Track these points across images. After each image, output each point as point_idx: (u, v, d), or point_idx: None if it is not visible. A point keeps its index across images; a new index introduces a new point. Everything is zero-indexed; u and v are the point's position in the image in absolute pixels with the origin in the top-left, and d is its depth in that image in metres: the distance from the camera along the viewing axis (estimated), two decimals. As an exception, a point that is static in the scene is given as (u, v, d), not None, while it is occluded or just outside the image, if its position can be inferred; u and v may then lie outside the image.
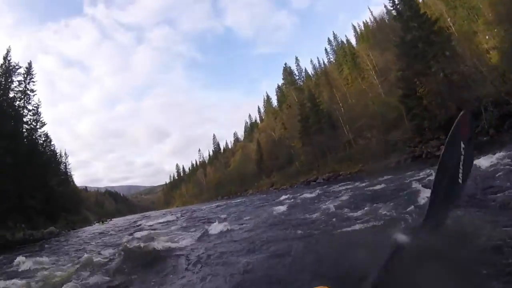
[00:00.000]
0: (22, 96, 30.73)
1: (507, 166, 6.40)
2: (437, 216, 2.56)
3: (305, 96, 43.89)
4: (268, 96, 78.49)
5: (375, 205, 5.94)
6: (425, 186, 6.33)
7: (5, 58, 29.40)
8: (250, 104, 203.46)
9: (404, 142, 27.83)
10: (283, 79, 70.33)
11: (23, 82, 30.94)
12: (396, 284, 1.87)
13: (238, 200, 28.59)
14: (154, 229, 12.05)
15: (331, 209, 6.87)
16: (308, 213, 7.45)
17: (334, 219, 5.72)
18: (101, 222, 41.94)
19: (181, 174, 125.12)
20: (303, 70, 66.36)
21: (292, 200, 12.63)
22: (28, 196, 24.76)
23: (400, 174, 11.94)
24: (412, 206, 4.79)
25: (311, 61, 67.58)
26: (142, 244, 6.08)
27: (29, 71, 31.71)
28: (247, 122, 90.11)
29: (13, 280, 4.77)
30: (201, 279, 3.78)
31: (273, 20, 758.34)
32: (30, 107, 31.89)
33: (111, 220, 46.51)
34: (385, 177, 12.33)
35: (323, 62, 62.95)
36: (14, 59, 30.86)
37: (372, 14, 54.34)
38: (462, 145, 2.43)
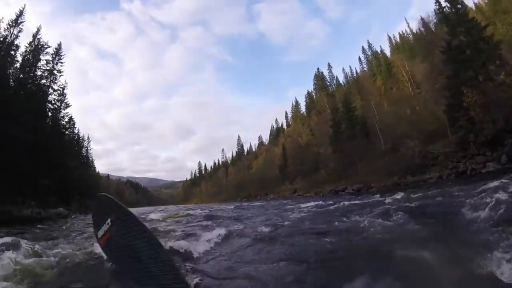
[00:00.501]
0: (49, 75, 30.67)
1: None
2: None
3: (339, 100, 41.92)
4: (296, 102, 77.44)
5: (429, 225, 4.96)
6: (478, 209, 5.08)
7: (34, 36, 29.42)
8: (277, 109, 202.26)
9: (446, 156, 25.41)
10: (314, 84, 69.00)
11: (51, 62, 30.88)
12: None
13: (258, 204, 27.09)
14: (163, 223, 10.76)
15: (379, 225, 5.25)
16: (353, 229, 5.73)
17: (386, 235, 4.57)
18: None
19: (203, 172, 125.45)
20: (335, 78, 65.47)
21: (323, 209, 10.95)
22: (43, 175, 24.19)
23: (444, 191, 10.28)
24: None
25: (343, 69, 66.63)
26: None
27: (58, 51, 31.67)
28: (273, 127, 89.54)
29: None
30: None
31: (306, 29, 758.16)
32: (55, 87, 31.83)
33: None
34: (427, 193, 10.57)
35: (356, 71, 62.01)
36: (51, 45, 31.21)
37: (408, 26, 53.21)
38: None
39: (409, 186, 23.71)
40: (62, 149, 30.40)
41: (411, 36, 50.91)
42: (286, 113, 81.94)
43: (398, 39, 56.05)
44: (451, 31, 23.99)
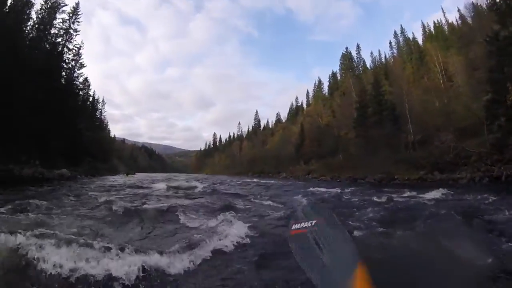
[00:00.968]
0: (64, 34, 29.69)
1: None
2: None
3: (368, 82, 39.03)
4: (320, 81, 75.00)
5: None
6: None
7: None
8: (298, 88, 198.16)
9: (480, 156, 23.01)
10: (340, 64, 66.15)
11: (67, 21, 29.87)
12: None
13: (273, 182, 25.62)
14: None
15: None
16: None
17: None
18: (126, 174, 41.41)
19: (217, 144, 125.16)
20: (362, 60, 63.29)
21: (348, 197, 9.36)
22: (52, 134, 23.24)
23: (482, 197, 8.73)
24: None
25: (371, 53, 63.77)
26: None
27: (75, 10, 30.73)
28: (292, 104, 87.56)
29: None
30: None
31: (336, 9, 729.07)
32: (71, 46, 30.99)
33: (135, 174, 45.82)
34: (465, 197, 9.14)
35: (385, 55, 59.77)
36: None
37: (444, 15, 50.94)
38: None
39: (437, 183, 21.71)
40: (74, 109, 29.43)
41: (446, 26, 49.26)
42: (308, 92, 79.87)
43: (431, 28, 53.46)
44: (500, 20, 21.43)
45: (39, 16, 27.26)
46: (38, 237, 3.02)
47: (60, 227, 4.31)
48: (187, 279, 2.81)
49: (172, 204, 7.20)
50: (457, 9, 44.92)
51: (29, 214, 5.24)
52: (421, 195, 9.59)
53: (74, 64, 31.93)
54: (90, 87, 45.60)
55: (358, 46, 63.97)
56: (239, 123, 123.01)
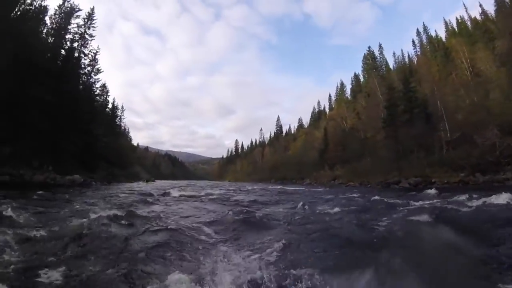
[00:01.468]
0: (79, 39, 29.59)
1: None
2: None
3: (396, 79, 36.61)
4: (342, 84, 72.73)
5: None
6: None
7: None
8: (319, 93, 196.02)
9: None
10: (363, 64, 63.86)
11: (82, 26, 29.82)
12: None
13: (296, 188, 23.90)
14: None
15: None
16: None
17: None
18: (145, 181, 41.06)
19: (239, 151, 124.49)
20: (385, 61, 60.76)
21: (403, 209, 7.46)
22: (65, 140, 22.71)
23: None
24: None
25: (394, 53, 60.98)
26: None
27: (90, 16, 30.69)
28: (315, 109, 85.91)
29: None
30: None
31: (354, 12, 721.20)
32: (86, 51, 30.79)
33: (154, 181, 45.41)
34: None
35: (408, 55, 57.39)
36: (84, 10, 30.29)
37: (467, 11, 48.37)
38: None
39: (480, 186, 19.48)
40: (90, 115, 29.01)
41: (469, 22, 47.21)
42: (330, 95, 77.65)
43: (454, 25, 51.23)
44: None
45: (53, 21, 27.36)
46: None
47: None
48: None
49: (167, 220, 5.82)
50: (479, 5, 44.56)
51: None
52: (486, 201, 7.66)
53: (90, 70, 31.83)
54: (109, 94, 46.04)
55: (380, 46, 61.44)
56: (261, 129, 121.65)
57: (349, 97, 66.75)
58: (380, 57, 61.06)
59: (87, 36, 29.97)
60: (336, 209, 7.42)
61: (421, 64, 43.24)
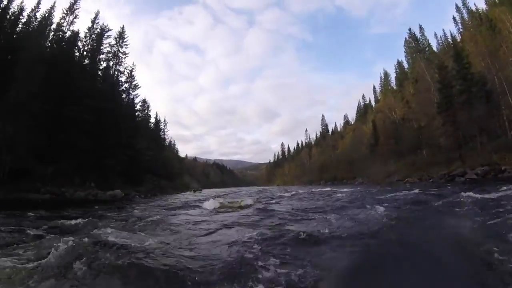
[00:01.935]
0: (113, 58, 30.88)
1: None
2: None
3: (450, 55, 33.06)
4: (386, 73, 69.37)
5: None
6: None
7: (93, 21, 29.70)
8: (362, 87, 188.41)
9: None
10: (406, 49, 60.34)
11: (114, 45, 31.15)
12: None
13: (350, 190, 21.76)
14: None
15: None
16: None
17: None
18: (193, 191, 41.82)
19: (286, 154, 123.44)
20: (427, 42, 56.67)
21: None
22: (108, 156, 23.54)
23: None
24: None
25: (435, 34, 56.40)
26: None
27: (121, 34, 32.02)
28: (360, 103, 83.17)
29: None
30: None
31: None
32: (121, 68, 32.15)
33: (201, 191, 46.06)
34: None
35: (451, 34, 52.55)
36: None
37: None
38: None
39: None
40: (132, 130, 30.03)
41: None
42: (374, 87, 74.73)
43: None
44: None
45: (84, 43, 28.81)
46: None
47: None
48: None
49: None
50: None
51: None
52: None
53: (128, 86, 33.11)
54: (150, 108, 48.08)
55: (421, 27, 57.42)
56: (306, 130, 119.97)
57: (394, 87, 63.55)
58: (422, 39, 57.49)
59: (120, 54, 31.38)
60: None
61: (467, 40, 39.20)
